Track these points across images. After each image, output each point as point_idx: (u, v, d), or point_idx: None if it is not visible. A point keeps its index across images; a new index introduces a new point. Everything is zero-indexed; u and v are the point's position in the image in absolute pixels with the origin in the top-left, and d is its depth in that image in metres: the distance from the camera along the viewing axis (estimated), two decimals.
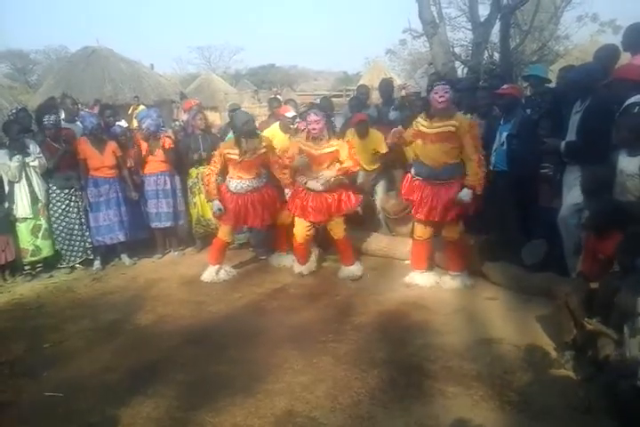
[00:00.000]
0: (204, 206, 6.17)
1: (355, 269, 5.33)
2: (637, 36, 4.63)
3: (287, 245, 5.68)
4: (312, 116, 4.96)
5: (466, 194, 4.51)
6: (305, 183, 5.10)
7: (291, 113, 6.01)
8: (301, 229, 5.24)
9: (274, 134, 5.96)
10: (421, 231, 4.92)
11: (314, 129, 4.94)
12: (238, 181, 5.27)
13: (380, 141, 6.07)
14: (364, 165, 6.18)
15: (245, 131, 5.17)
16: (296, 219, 5.27)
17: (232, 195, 5.30)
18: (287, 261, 5.70)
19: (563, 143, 4.29)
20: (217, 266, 5.44)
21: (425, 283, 4.96)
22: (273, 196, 5.44)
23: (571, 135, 4.33)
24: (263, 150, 5.27)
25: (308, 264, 5.47)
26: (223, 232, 5.40)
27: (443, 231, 4.84)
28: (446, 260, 5.04)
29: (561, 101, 4.75)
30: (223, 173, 5.38)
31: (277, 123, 6.13)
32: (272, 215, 5.42)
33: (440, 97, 4.46)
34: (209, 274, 5.42)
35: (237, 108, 6.95)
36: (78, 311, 4.84)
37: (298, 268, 5.44)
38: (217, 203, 5.29)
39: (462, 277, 4.89)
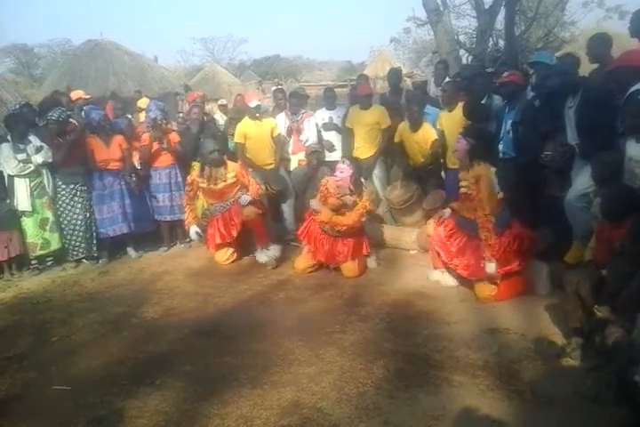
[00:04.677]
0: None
1: (369, 259, 5.33)
2: None
3: (266, 235, 5.63)
4: (341, 166, 4.96)
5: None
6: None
7: (254, 103, 6.06)
8: (304, 265, 5.27)
9: (246, 126, 6.08)
10: None
11: (338, 181, 4.93)
12: (212, 206, 5.58)
13: (382, 115, 6.09)
14: (363, 146, 6.25)
15: (210, 160, 5.35)
16: (302, 254, 5.32)
17: (212, 218, 5.55)
18: (275, 251, 5.58)
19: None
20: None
21: (447, 283, 4.74)
22: (237, 209, 5.45)
23: (572, 131, 4.36)
24: (231, 180, 5.42)
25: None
26: (219, 258, 5.67)
27: None
28: None
29: (555, 94, 4.68)
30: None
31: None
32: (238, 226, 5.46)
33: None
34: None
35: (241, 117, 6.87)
36: (85, 305, 4.86)
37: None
38: (193, 228, 5.60)
39: None
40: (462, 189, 4.42)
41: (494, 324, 3.94)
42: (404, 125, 5.98)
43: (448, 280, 4.73)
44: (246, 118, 6.14)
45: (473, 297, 4.44)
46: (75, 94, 7.64)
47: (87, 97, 7.20)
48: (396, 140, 6.07)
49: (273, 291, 4.91)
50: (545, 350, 3.50)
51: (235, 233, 5.43)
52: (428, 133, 5.81)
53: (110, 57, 16.66)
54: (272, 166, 6.18)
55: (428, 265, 5.10)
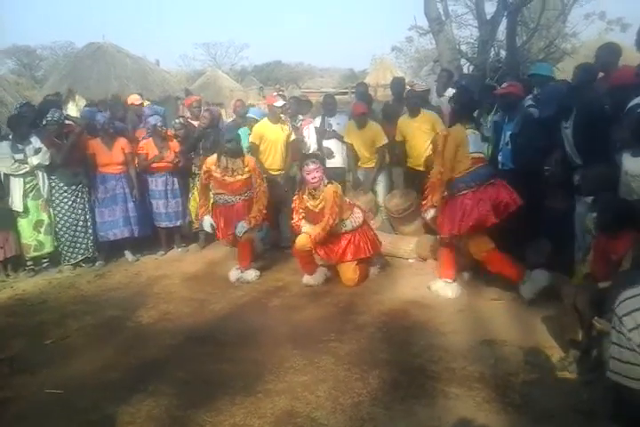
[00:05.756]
0: None
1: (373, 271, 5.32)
2: None
3: (249, 260, 5.46)
4: (308, 167, 4.85)
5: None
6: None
7: (279, 102, 5.99)
8: (302, 237, 5.02)
9: (265, 127, 5.96)
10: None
11: (313, 179, 4.84)
12: (219, 196, 5.37)
13: (378, 133, 6.08)
14: (364, 156, 6.25)
15: (227, 149, 5.15)
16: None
17: (217, 207, 5.42)
18: (248, 275, 5.36)
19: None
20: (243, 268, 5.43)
21: (449, 295, 4.66)
22: (246, 208, 5.33)
23: (572, 150, 4.39)
24: (246, 175, 5.22)
25: (317, 275, 5.17)
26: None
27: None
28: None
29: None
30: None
31: (266, 116, 6.14)
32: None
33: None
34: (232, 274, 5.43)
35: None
36: (80, 308, 4.84)
37: (306, 278, 5.16)
38: (207, 218, 5.44)
39: None
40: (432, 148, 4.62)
41: (491, 335, 3.91)
42: (403, 117, 6.03)
43: (448, 292, 4.67)
44: (265, 120, 6.07)
45: (470, 308, 4.43)
46: (129, 99, 7.69)
47: (138, 103, 7.25)
48: (398, 138, 6.08)
49: (269, 297, 4.89)
50: (542, 362, 3.48)
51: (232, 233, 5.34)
52: (428, 117, 5.89)
53: (112, 60, 16.67)
54: (279, 172, 6.12)
55: (427, 274, 5.09)
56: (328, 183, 4.95)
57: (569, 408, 2.98)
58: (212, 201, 5.49)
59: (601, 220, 3.59)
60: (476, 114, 5.27)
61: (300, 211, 5.12)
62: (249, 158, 5.38)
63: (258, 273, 5.41)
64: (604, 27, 17.65)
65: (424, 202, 4.68)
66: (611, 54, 4.82)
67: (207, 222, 5.45)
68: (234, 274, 5.38)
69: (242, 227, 5.20)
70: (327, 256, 5.08)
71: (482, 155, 4.62)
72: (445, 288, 4.69)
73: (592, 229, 3.84)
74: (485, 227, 4.39)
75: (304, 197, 5.06)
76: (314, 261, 5.22)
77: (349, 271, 5.05)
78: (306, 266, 5.16)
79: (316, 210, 4.97)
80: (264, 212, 5.34)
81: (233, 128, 6.26)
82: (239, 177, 5.21)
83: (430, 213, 4.59)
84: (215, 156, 5.25)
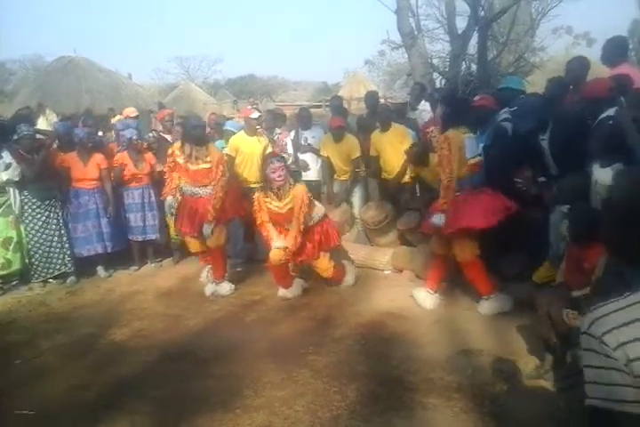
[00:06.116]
0: None
1: (348, 278, 5.30)
2: (615, 50, 4.77)
3: (223, 270, 5.41)
4: (273, 165, 4.79)
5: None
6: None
7: (255, 114, 6.00)
8: (276, 251, 4.94)
9: (240, 140, 5.96)
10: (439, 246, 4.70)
11: (279, 177, 4.77)
12: (185, 187, 5.23)
13: (354, 146, 6.12)
14: (340, 169, 6.27)
15: (192, 135, 5.05)
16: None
17: (184, 198, 5.25)
18: (223, 289, 5.31)
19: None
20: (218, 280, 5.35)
21: (427, 306, 4.67)
22: (204, 209, 5.17)
23: (548, 160, 4.47)
24: (209, 164, 5.08)
25: (293, 288, 5.13)
26: (192, 247, 5.41)
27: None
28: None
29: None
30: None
31: (242, 129, 6.14)
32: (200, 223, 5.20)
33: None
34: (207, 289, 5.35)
35: (221, 122, 6.86)
36: (52, 326, 4.73)
37: (282, 292, 5.10)
38: (169, 199, 5.28)
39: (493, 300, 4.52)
40: (438, 153, 4.48)
41: (467, 345, 3.93)
42: (376, 132, 6.06)
43: (427, 303, 4.68)
44: (242, 132, 6.08)
45: (446, 318, 4.45)
46: (125, 112, 7.61)
47: (134, 115, 7.23)
48: (372, 152, 6.11)
49: (245, 312, 4.85)
50: (518, 371, 3.51)
51: (196, 232, 5.23)
52: (400, 131, 5.90)
53: (83, 74, 16.55)
54: (256, 185, 6.04)
55: (403, 285, 5.11)
56: (295, 182, 4.93)
57: (546, 417, 3.01)
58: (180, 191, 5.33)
59: (573, 229, 3.65)
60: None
61: (263, 212, 4.98)
62: (214, 148, 5.30)
63: (233, 286, 5.36)
64: (571, 41, 18.19)
65: (434, 207, 4.53)
66: (581, 68, 4.94)
67: (168, 203, 5.34)
68: (209, 288, 5.32)
69: (206, 229, 5.11)
70: (304, 258, 5.02)
71: (479, 159, 4.61)
72: (425, 299, 4.71)
73: (565, 236, 3.90)
74: (479, 231, 4.41)
75: (266, 199, 4.93)
76: (289, 274, 5.19)
77: (325, 262, 5.06)
78: (281, 280, 5.12)
79: (283, 211, 4.89)
80: (223, 208, 5.19)
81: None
82: (202, 165, 5.09)
83: (439, 219, 4.41)
84: (179, 143, 5.20)
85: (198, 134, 5.11)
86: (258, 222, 5.07)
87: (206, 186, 5.14)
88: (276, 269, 5.03)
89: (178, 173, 5.23)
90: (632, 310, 1.18)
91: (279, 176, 4.78)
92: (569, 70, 5.04)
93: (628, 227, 1.28)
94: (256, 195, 5.04)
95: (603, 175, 3.77)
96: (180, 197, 5.32)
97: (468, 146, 4.43)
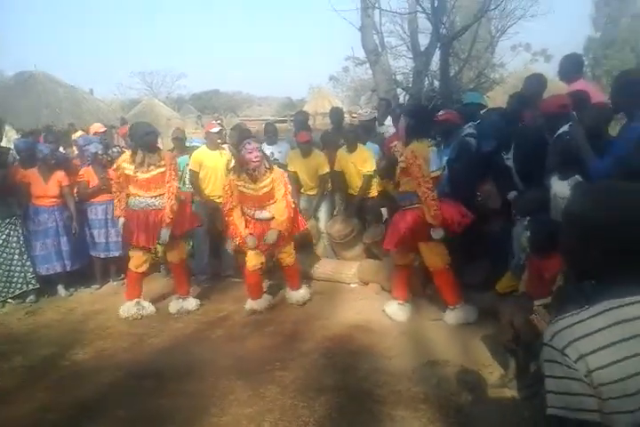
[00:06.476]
0: None
1: (302, 293, 5.26)
2: (571, 66, 4.95)
3: (188, 285, 5.38)
4: (249, 146, 4.72)
5: None
6: (253, 215, 4.96)
7: (215, 128, 5.99)
8: (253, 255, 4.97)
9: (203, 154, 5.93)
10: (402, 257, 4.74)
11: (255, 158, 4.71)
12: (135, 199, 4.99)
13: (322, 162, 6.14)
14: (307, 184, 6.30)
15: (145, 142, 4.90)
16: (250, 253, 5.04)
17: (132, 211, 5.01)
18: (189, 304, 5.26)
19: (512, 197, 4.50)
20: (134, 300, 5.16)
21: (398, 317, 4.70)
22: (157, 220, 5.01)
23: (515, 175, 4.60)
24: (162, 169, 4.95)
25: (262, 300, 5.13)
26: (133, 263, 5.12)
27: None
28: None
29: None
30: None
31: (204, 144, 6.11)
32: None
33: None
34: (126, 309, 5.11)
35: (182, 137, 6.83)
36: (10, 347, 4.58)
37: (250, 304, 5.08)
38: (121, 220, 5.08)
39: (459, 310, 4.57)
40: (401, 164, 4.47)
41: (433, 356, 3.97)
42: (341, 150, 6.11)
43: (400, 315, 4.70)
44: (204, 147, 6.03)
45: (412, 330, 4.49)
46: (93, 128, 7.46)
47: (102, 131, 7.12)
48: (336, 167, 6.16)
49: (211, 329, 4.79)
50: (483, 381, 3.55)
51: (151, 245, 5.10)
52: (364, 154, 5.94)
53: (43, 88, 16.30)
54: (221, 199, 5.99)
55: (369, 298, 5.13)
56: (270, 166, 4.91)
57: (511, 426, 3.04)
58: (130, 205, 5.08)
59: (533, 241, 3.75)
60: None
61: (234, 197, 4.90)
62: (166, 152, 5.23)
63: (198, 302, 5.30)
64: (530, 58, 18.77)
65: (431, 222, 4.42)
66: (538, 85, 5.11)
67: (120, 223, 5.13)
68: (174, 305, 5.24)
69: (164, 234, 4.95)
70: (280, 243, 4.96)
71: (438, 173, 4.64)
72: (398, 312, 4.73)
73: (527, 247, 3.99)
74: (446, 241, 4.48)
75: (238, 182, 4.86)
76: (261, 285, 5.20)
77: (288, 254, 5.11)
78: (254, 289, 5.10)
79: (258, 193, 4.84)
80: (180, 220, 5.08)
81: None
82: (154, 171, 4.93)
83: (440, 233, 4.38)
84: (129, 153, 5.03)
85: (152, 140, 5.02)
86: (226, 208, 5.00)
87: (162, 195, 4.97)
88: (252, 275, 5.04)
89: (130, 187, 4.99)
90: (591, 322, 1.23)
91: (255, 157, 4.71)
92: (525, 87, 5.20)
93: (588, 241, 1.32)
94: (228, 178, 4.99)
95: (561, 188, 3.88)
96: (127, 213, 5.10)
97: (432, 159, 4.50)
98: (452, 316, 4.56)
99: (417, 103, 5.54)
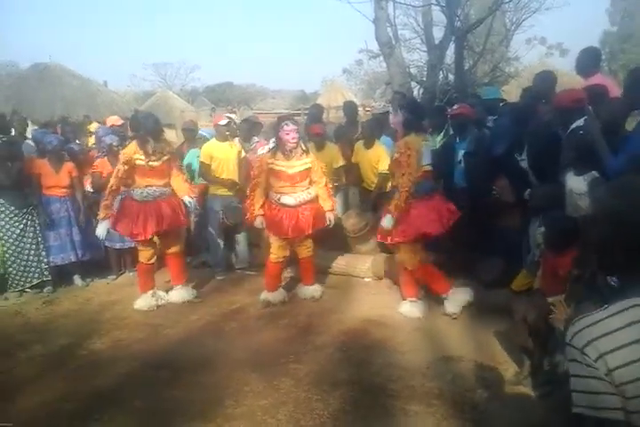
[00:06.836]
0: None
1: (314, 289, 5.26)
2: (588, 60, 4.89)
3: (184, 274, 5.42)
4: (288, 126, 4.73)
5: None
6: (278, 199, 4.91)
7: (223, 121, 5.98)
8: (278, 247, 4.98)
9: (213, 147, 5.89)
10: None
11: (293, 139, 4.72)
12: (145, 190, 4.96)
13: (336, 155, 6.13)
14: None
15: (156, 130, 4.92)
16: (271, 238, 5.06)
17: (137, 203, 4.96)
18: (190, 293, 5.34)
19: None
20: (149, 292, 5.21)
21: (413, 314, 4.67)
22: (178, 205, 5.12)
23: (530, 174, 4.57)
24: (167, 156, 4.99)
25: (277, 293, 5.14)
26: (143, 255, 5.12)
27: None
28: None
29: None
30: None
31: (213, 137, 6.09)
32: (171, 224, 5.06)
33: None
34: (144, 302, 5.16)
35: (192, 128, 6.86)
36: (28, 337, 4.64)
37: (265, 295, 5.10)
38: (105, 224, 4.96)
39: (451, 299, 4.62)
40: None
41: (447, 352, 3.97)
42: (359, 144, 6.12)
43: (415, 312, 4.68)
44: (213, 139, 6.01)
45: (426, 325, 4.49)
46: (109, 121, 7.51)
47: (119, 124, 7.15)
48: (353, 160, 6.16)
49: (225, 321, 4.82)
50: (497, 378, 3.55)
51: (149, 234, 4.96)
52: (380, 151, 5.92)
53: (58, 81, 16.37)
54: (233, 193, 5.96)
55: (383, 293, 5.13)
56: (306, 150, 4.97)
57: (525, 423, 3.05)
58: (136, 197, 5.01)
59: (548, 237, 3.72)
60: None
61: (264, 173, 4.87)
62: (171, 142, 5.27)
63: (194, 291, 5.36)
64: (545, 51, 18.57)
65: (385, 209, 4.60)
66: (547, 82, 5.06)
67: (103, 228, 4.98)
68: (173, 294, 5.29)
69: (188, 201, 5.06)
70: (294, 234, 4.90)
71: (430, 168, 4.61)
72: (413, 309, 4.71)
73: (541, 244, 3.97)
74: (426, 237, 4.50)
75: (270, 160, 4.85)
76: (280, 278, 5.22)
77: (306, 246, 5.08)
78: (272, 280, 5.12)
79: (290, 171, 4.84)
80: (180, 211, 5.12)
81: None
82: (164, 158, 4.97)
83: (389, 221, 4.45)
84: (134, 144, 4.98)
85: (160, 128, 5.06)
86: (252, 183, 5.01)
87: (169, 184, 5.06)
88: (272, 267, 5.07)
89: (139, 177, 4.96)
90: (610, 321, 1.23)
91: (293, 138, 4.75)
92: (535, 85, 5.14)
93: (613, 238, 1.31)
94: (262, 157, 5.07)
95: (577, 184, 3.85)
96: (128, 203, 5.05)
97: (425, 154, 4.50)
98: (450, 304, 4.58)
99: (412, 98, 5.51)
